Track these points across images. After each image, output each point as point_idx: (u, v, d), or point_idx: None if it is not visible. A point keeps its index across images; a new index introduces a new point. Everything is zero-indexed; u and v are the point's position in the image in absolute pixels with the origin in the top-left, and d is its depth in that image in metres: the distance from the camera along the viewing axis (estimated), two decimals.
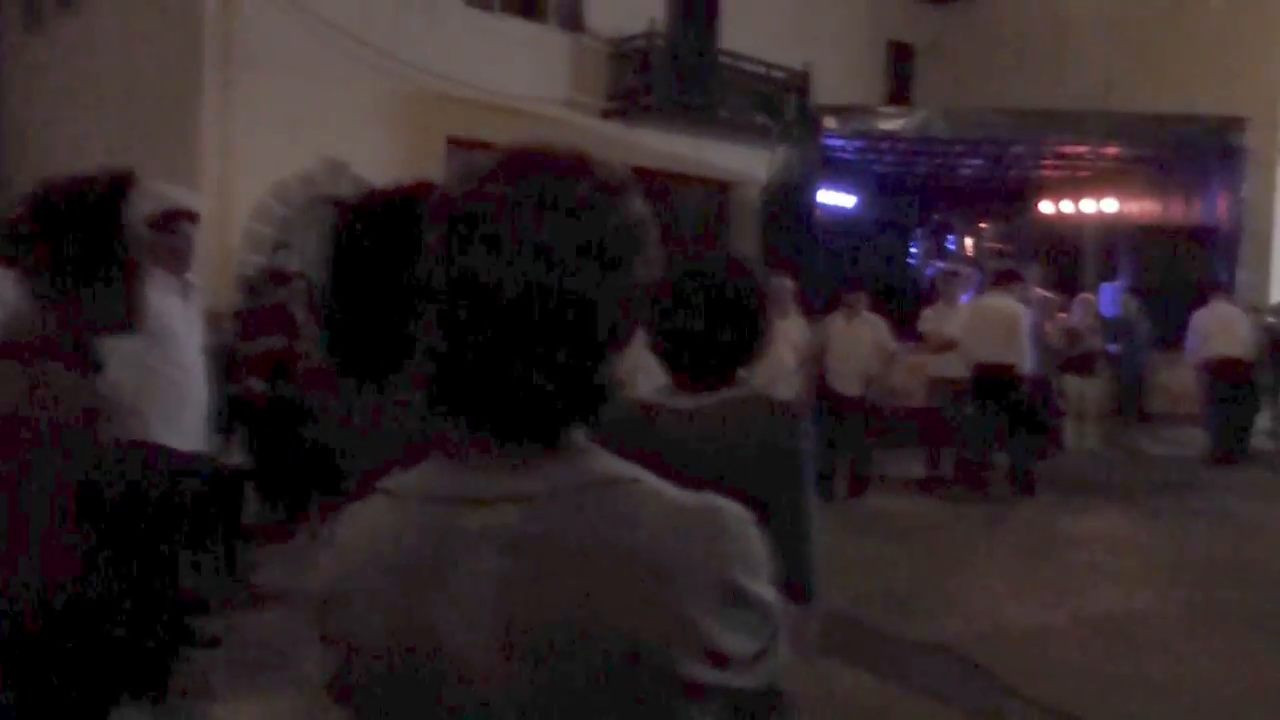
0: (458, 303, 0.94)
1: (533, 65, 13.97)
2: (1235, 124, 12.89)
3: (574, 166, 0.98)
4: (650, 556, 0.93)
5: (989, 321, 8.78)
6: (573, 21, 14.44)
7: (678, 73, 14.63)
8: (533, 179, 0.96)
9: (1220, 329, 10.80)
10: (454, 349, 0.95)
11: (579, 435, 0.99)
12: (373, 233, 1.63)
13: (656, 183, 15.34)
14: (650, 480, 0.98)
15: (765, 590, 0.99)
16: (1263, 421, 12.10)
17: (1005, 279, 9.35)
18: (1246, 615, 5.82)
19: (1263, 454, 11.53)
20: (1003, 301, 8.94)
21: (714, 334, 1.96)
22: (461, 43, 13.20)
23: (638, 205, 1.01)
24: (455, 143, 13.20)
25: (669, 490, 0.98)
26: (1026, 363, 8.83)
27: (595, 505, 0.95)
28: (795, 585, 1.98)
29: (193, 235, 4.18)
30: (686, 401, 1.98)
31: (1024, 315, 8.94)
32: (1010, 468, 9.15)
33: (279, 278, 7.49)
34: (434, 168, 11.56)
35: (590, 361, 0.96)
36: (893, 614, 5.69)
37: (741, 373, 2.03)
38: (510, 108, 13.32)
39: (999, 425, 8.92)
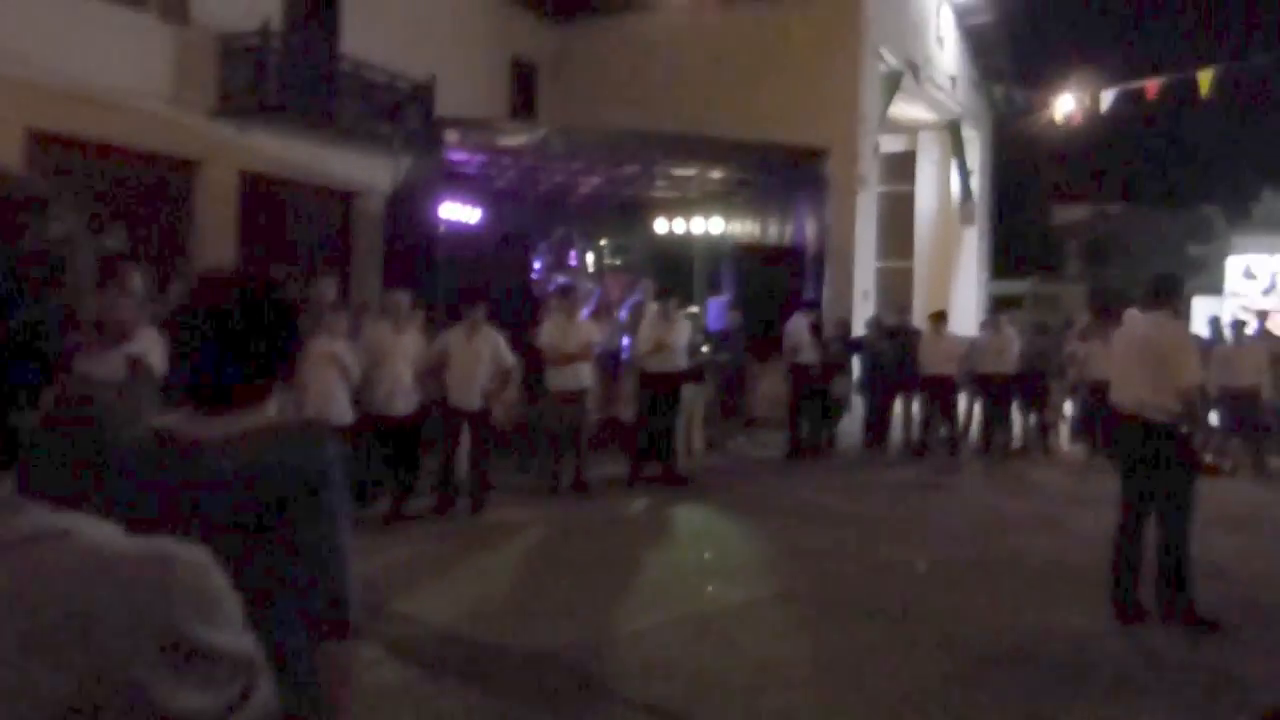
0: None
1: (130, 56, 12.85)
2: (818, 154, 14.27)
3: None
4: (83, 619, 0.83)
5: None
6: (176, 13, 13.41)
7: (294, 75, 14.03)
8: None
9: (796, 339, 12.02)
10: None
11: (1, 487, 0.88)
12: None
13: (274, 190, 14.69)
14: (87, 531, 0.88)
15: (230, 639, 0.92)
16: (848, 422, 13.51)
17: (664, 293, 10.89)
18: (820, 600, 6.47)
19: (847, 450, 12.87)
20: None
21: (227, 356, 1.85)
22: (47, 25, 11.90)
23: (57, 223, 0.89)
24: (39, 137, 11.92)
25: (110, 541, 0.88)
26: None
27: (17, 567, 0.84)
28: (331, 618, 1.87)
29: None
30: (207, 429, 1.84)
31: (686, 328, 10.70)
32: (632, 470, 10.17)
33: None
34: (12, 163, 10.30)
35: None
36: (505, 626, 5.74)
37: (268, 397, 1.92)
38: (104, 100, 12.22)
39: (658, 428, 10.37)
